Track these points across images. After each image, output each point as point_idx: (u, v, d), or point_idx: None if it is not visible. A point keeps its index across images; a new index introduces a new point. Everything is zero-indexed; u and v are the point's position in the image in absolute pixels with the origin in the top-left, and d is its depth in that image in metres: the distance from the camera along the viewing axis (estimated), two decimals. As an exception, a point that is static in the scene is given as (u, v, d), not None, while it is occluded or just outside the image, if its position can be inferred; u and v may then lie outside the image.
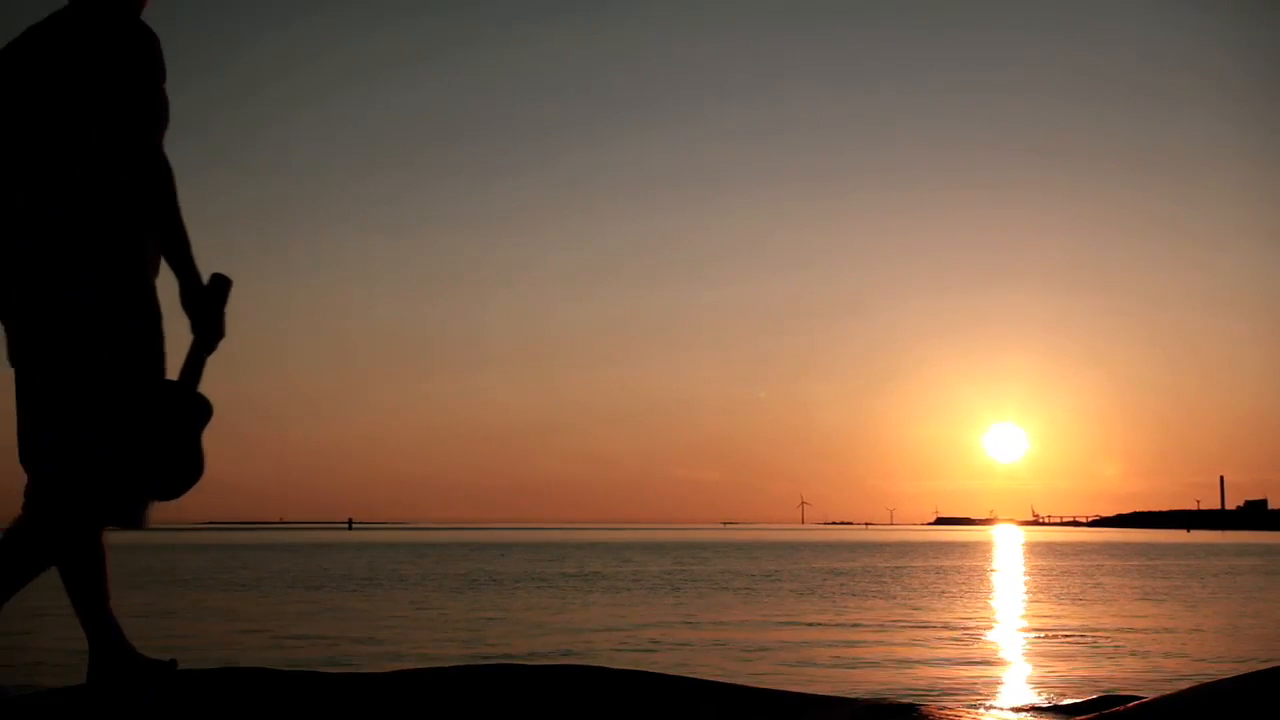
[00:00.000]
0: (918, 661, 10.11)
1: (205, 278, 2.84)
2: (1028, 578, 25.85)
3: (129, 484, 2.68)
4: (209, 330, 2.79)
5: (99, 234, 2.66)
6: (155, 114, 2.69)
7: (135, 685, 2.86)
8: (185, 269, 2.75)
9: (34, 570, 2.70)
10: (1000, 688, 8.59)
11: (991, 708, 7.48)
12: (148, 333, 2.75)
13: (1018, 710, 7.31)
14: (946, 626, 13.54)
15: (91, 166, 2.66)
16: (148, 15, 2.86)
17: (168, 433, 2.70)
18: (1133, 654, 10.82)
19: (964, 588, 21.82)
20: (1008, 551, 48.28)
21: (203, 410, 2.77)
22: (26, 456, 2.71)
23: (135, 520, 2.72)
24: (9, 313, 2.72)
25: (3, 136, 2.72)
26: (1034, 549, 51.79)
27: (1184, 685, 3.49)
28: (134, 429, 2.66)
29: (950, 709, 3.24)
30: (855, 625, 13.68)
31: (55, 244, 2.65)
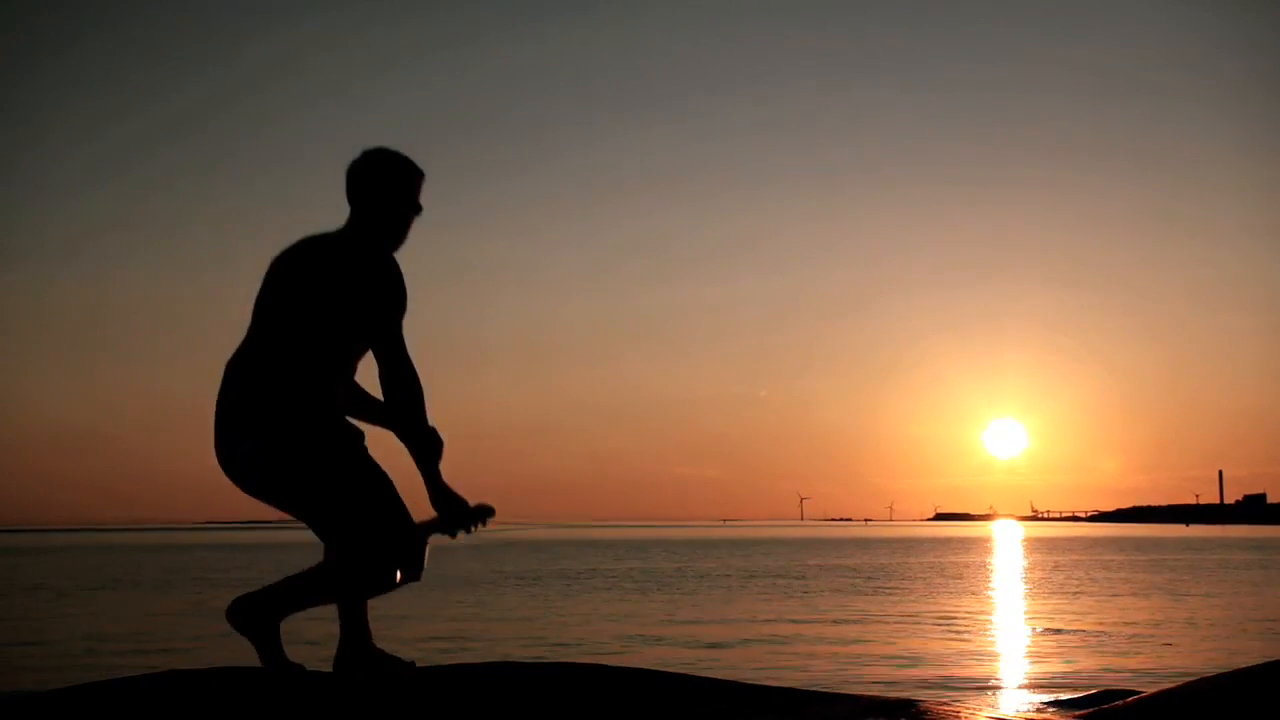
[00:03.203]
0: (918, 657, 10.14)
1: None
2: (1027, 573, 25.88)
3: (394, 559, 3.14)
4: (451, 524, 3.17)
5: (304, 414, 3.10)
6: (398, 330, 3.12)
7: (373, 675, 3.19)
8: (430, 477, 3.14)
9: (319, 603, 3.20)
10: (999, 683, 8.61)
11: (991, 703, 7.51)
12: (349, 460, 3.16)
13: (1017, 705, 7.34)
14: (946, 622, 13.57)
15: (310, 370, 3.10)
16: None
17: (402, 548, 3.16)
18: (1131, 649, 10.85)
19: (963, 583, 21.84)
20: (1007, 547, 48.33)
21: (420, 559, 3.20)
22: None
23: (417, 575, 3.18)
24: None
25: (259, 330, 3.13)
26: (1033, 544, 51.84)
27: (1182, 680, 3.51)
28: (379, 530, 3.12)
29: (950, 704, 3.26)
30: (855, 621, 13.71)
31: (273, 429, 3.08)
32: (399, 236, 3.25)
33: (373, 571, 3.11)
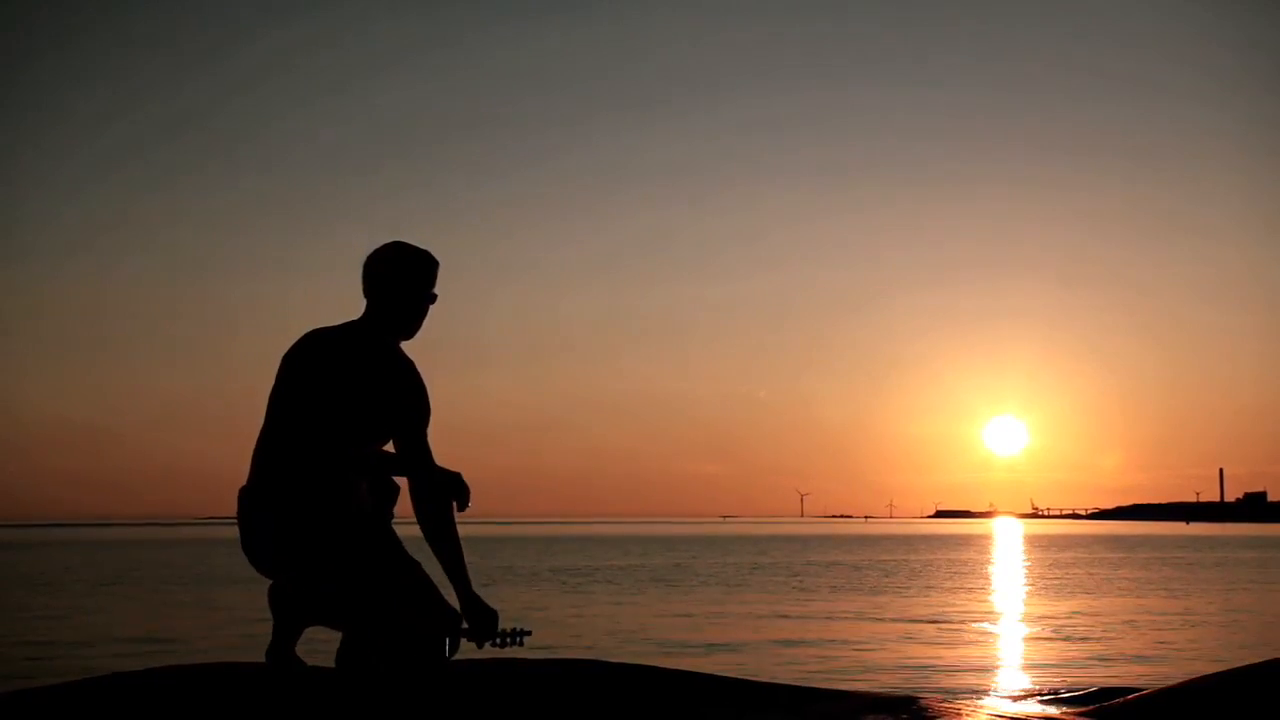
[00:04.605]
0: (918, 654, 10.14)
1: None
2: (1027, 571, 25.89)
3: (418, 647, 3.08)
4: (479, 635, 3.14)
5: (322, 513, 3.09)
6: (422, 435, 3.19)
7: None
8: (459, 584, 3.18)
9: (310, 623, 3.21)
10: (1000, 680, 8.62)
11: (991, 700, 7.51)
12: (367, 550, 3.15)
13: (1017, 702, 7.34)
14: (946, 619, 13.57)
15: (319, 466, 3.09)
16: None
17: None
18: (1131, 647, 10.85)
19: (963, 581, 21.85)
20: (1007, 545, 48.33)
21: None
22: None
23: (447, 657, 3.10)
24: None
25: (273, 424, 3.14)
26: (1033, 542, 51.84)
27: (1181, 678, 3.51)
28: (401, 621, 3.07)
29: (950, 701, 3.27)
30: (855, 618, 13.71)
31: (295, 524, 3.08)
32: (414, 326, 3.29)
33: (396, 653, 3.08)
